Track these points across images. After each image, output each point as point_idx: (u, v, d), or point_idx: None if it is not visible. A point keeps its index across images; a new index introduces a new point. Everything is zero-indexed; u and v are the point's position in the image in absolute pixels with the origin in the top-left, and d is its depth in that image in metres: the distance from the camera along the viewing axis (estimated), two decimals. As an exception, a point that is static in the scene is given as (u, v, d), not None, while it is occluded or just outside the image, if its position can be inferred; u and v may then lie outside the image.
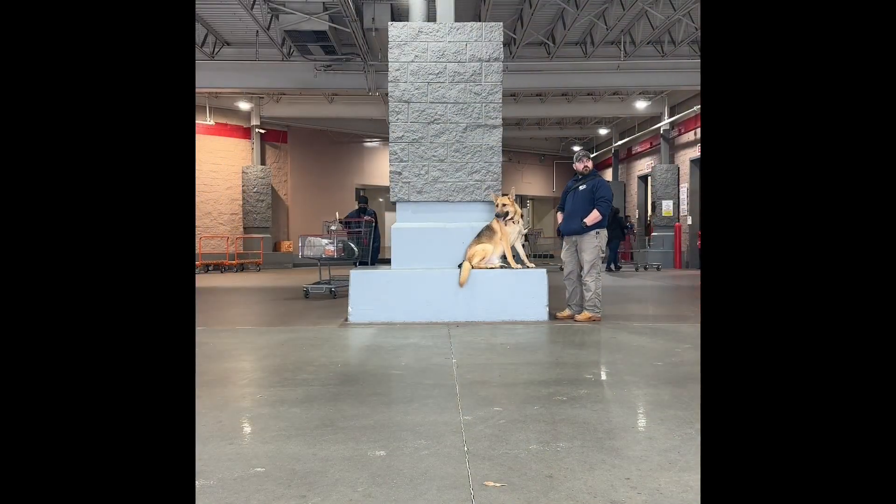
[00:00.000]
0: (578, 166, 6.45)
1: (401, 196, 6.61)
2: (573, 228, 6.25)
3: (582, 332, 5.48)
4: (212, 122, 17.32)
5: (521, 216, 6.50)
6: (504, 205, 6.23)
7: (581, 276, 6.24)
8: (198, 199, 16.42)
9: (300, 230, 16.14)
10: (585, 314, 6.13)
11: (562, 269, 6.51)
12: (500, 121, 6.63)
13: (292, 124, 19.10)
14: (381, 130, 19.38)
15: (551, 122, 22.04)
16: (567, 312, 6.35)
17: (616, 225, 14.30)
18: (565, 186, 6.66)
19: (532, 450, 2.40)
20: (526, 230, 6.40)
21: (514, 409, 2.98)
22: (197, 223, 16.09)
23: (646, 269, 15.69)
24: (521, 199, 25.09)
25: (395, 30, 6.64)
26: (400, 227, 6.60)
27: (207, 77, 12.87)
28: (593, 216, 6.07)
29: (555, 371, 3.86)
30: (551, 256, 18.80)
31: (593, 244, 6.14)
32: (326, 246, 8.67)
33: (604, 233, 6.20)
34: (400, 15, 10.60)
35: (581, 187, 6.30)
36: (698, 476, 2.08)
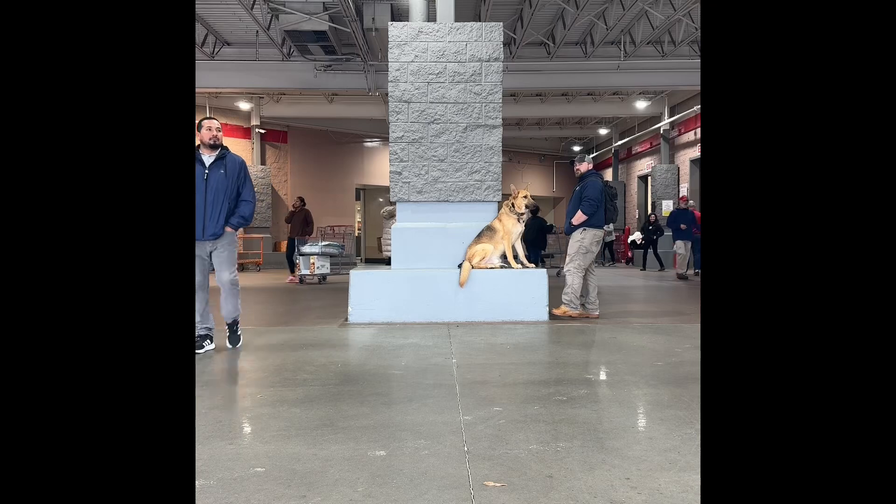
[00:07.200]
0: (579, 168, 6.71)
1: (401, 196, 6.61)
2: (567, 228, 6.61)
3: (582, 332, 5.48)
4: (212, 122, 17.30)
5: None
6: (525, 196, 6.31)
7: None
8: (198, 199, 16.37)
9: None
10: (562, 308, 6.24)
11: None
12: (500, 121, 6.64)
13: (292, 124, 19.09)
14: (381, 130, 19.37)
15: (551, 122, 22.04)
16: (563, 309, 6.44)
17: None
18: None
19: (532, 450, 2.40)
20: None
21: (514, 409, 2.98)
22: (197, 223, 16.03)
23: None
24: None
25: (395, 30, 6.64)
26: (400, 227, 6.60)
27: (207, 77, 12.87)
28: (577, 216, 6.37)
29: (555, 371, 3.86)
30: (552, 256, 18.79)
31: (576, 240, 6.41)
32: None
33: (591, 231, 6.35)
34: (400, 15, 10.60)
35: (577, 188, 6.58)
36: (698, 476, 2.08)
